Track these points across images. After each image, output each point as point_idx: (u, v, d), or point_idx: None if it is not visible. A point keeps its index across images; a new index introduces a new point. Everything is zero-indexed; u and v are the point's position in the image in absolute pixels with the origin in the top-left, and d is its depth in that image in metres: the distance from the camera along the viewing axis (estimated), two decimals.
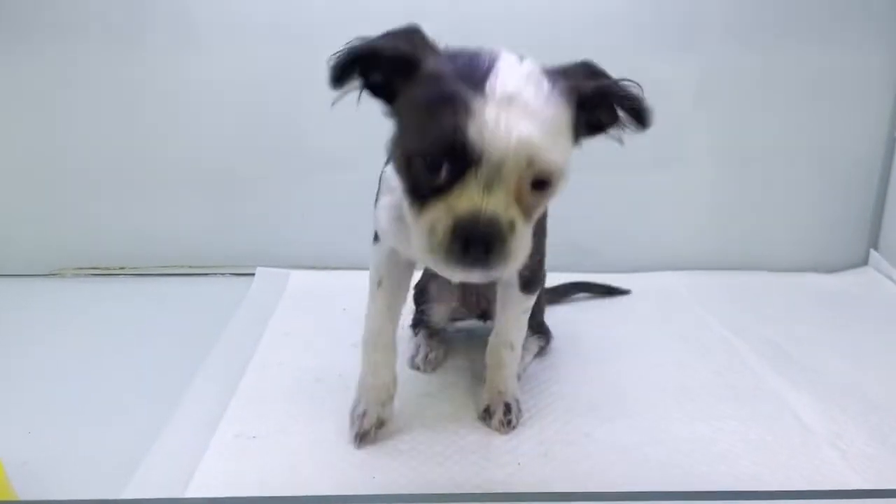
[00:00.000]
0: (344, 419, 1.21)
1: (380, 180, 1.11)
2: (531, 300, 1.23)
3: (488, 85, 0.79)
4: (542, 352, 1.50)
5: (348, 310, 1.70)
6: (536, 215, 0.89)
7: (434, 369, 1.45)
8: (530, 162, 0.80)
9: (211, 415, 1.25)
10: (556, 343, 1.53)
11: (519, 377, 1.32)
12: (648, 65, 1.85)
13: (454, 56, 0.85)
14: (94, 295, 1.86)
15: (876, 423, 1.27)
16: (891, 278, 1.96)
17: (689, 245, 2.04)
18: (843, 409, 1.32)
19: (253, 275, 1.94)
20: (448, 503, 1.05)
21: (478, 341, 1.46)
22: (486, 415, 1.26)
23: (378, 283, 1.18)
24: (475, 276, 0.86)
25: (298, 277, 1.93)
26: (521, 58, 0.85)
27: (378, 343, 1.19)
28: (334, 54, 0.87)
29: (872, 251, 2.06)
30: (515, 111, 0.78)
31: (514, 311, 1.23)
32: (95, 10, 1.79)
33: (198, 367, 1.42)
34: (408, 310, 1.37)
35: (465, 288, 1.45)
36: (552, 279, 1.82)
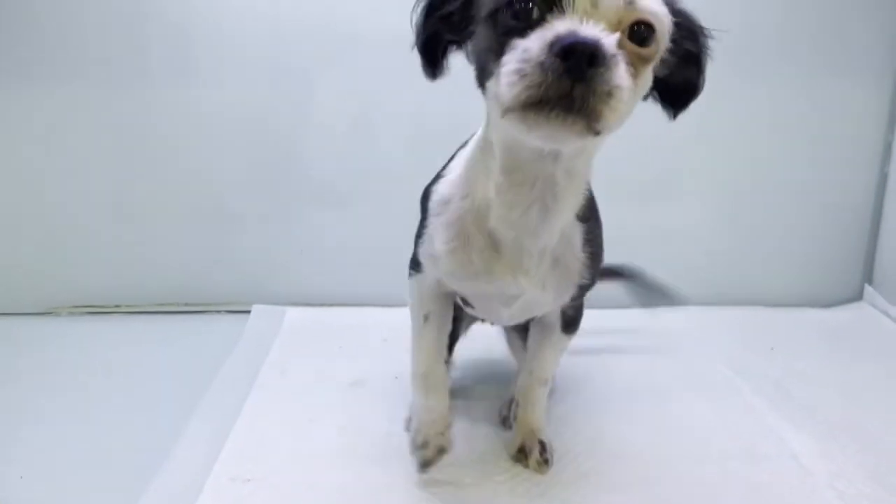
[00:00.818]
0: (339, 460, 1.21)
1: (423, 206, 1.05)
2: (569, 341, 1.20)
3: None
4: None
5: (344, 347, 1.70)
6: (639, 79, 0.79)
7: None
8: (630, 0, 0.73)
9: (206, 457, 1.24)
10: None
11: None
12: (647, 100, 1.88)
13: None
14: (89, 333, 1.85)
15: (874, 463, 1.27)
16: (886, 313, 1.96)
17: (683, 280, 2.04)
18: (842, 447, 1.31)
19: (249, 312, 1.93)
20: None
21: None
22: (520, 455, 1.22)
23: (424, 318, 1.12)
24: (566, 123, 0.71)
25: (295, 314, 1.92)
26: None
27: (429, 385, 1.14)
28: (413, 28, 0.84)
29: (867, 286, 2.07)
30: None
31: (551, 350, 1.20)
32: (90, 49, 1.81)
33: (194, 406, 1.41)
34: None
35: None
36: None
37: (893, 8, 1.89)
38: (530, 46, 0.70)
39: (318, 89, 1.86)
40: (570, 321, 1.16)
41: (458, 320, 1.37)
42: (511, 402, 1.34)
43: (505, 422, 1.35)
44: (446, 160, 1.08)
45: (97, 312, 1.97)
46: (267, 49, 1.82)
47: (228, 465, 1.22)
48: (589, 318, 1.84)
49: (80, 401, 1.48)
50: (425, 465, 1.16)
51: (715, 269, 2.06)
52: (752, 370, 1.63)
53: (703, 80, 0.89)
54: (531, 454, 1.21)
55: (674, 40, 0.83)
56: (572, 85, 0.69)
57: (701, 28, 0.87)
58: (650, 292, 1.62)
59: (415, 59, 0.90)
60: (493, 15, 0.77)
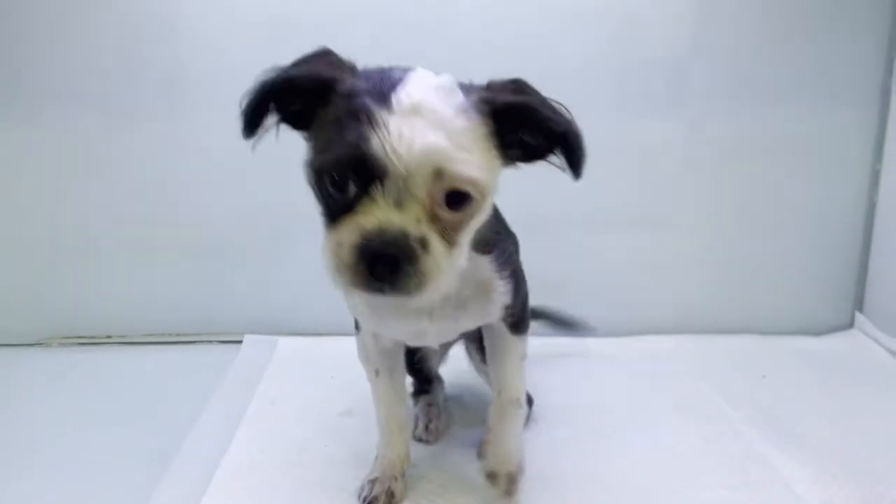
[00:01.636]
0: (329, 491, 1.20)
1: None
2: (524, 342, 1.17)
3: (394, 97, 0.77)
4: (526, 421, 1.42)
5: (336, 377, 1.69)
6: (462, 236, 0.84)
7: (437, 439, 1.41)
8: (439, 173, 0.77)
9: (196, 488, 1.23)
10: (542, 408, 1.52)
11: None
12: (636, 128, 1.91)
13: (368, 74, 0.84)
14: (80, 364, 1.84)
15: (867, 490, 1.26)
16: (877, 341, 1.96)
17: (675, 309, 2.05)
18: (833, 475, 1.30)
19: (241, 342, 1.93)
20: None
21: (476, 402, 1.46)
22: (491, 481, 1.20)
23: (376, 373, 1.18)
24: (387, 298, 0.81)
25: (286, 344, 1.92)
26: (438, 74, 0.83)
27: (391, 428, 1.21)
28: (246, 94, 0.86)
29: (858, 314, 2.08)
30: (420, 121, 0.76)
31: (510, 358, 1.16)
32: (87, 83, 1.83)
33: (185, 437, 1.40)
34: None
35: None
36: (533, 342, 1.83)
37: (880, 36, 1.92)
38: (342, 242, 0.79)
39: None
40: (515, 322, 1.14)
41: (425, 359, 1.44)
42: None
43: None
44: None
45: (88, 343, 1.97)
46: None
47: (219, 495, 1.21)
48: (578, 344, 1.87)
49: (71, 432, 1.47)
50: (370, 503, 1.18)
51: (706, 298, 2.07)
52: (743, 398, 1.62)
53: (579, 139, 0.86)
54: (499, 481, 1.18)
55: (512, 127, 0.85)
56: (380, 282, 0.78)
57: (539, 117, 0.85)
58: (560, 326, 1.77)
59: None
60: (319, 173, 0.82)
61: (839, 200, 2.04)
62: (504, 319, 1.11)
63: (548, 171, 1.94)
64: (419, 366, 1.44)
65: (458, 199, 0.80)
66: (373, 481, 1.19)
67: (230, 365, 1.78)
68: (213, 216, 1.94)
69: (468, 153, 0.79)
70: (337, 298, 2.00)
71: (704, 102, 1.94)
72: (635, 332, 2.01)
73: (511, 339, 1.15)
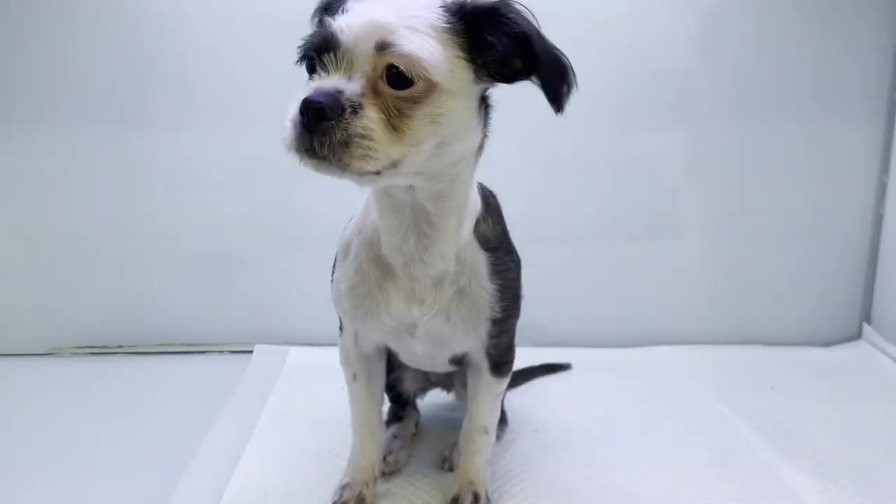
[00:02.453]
0: None
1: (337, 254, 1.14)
2: (503, 384, 1.19)
3: None
4: (497, 440, 1.37)
5: (346, 387, 1.69)
6: (411, 127, 0.84)
7: (394, 471, 1.34)
8: (381, 46, 0.81)
9: (209, 497, 1.24)
10: (549, 421, 1.53)
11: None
12: (640, 140, 1.92)
13: None
14: (92, 374, 1.86)
15: (874, 502, 1.26)
16: (885, 352, 1.96)
17: (682, 319, 2.06)
18: (841, 487, 1.31)
19: (252, 352, 1.94)
20: None
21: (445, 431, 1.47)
22: (454, 503, 1.19)
23: (353, 377, 1.21)
24: (322, 167, 0.83)
25: (297, 354, 1.93)
26: None
27: (364, 432, 1.23)
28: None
29: (865, 325, 2.08)
30: (380, 5, 0.84)
31: (485, 396, 1.18)
32: (94, 95, 1.86)
33: (196, 447, 1.41)
34: None
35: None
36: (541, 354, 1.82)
37: (885, 50, 1.94)
38: (292, 106, 0.83)
39: None
40: (497, 364, 1.15)
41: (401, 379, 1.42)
42: (454, 446, 1.35)
43: (444, 462, 1.36)
44: None
45: (100, 353, 1.98)
46: (268, 94, 1.85)
47: None
48: (583, 355, 1.88)
49: (83, 441, 1.48)
50: None
51: (713, 309, 2.08)
52: (750, 409, 1.63)
53: (546, 53, 0.87)
54: None
55: (488, 39, 0.86)
56: (310, 138, 0.81)
57: (505, 20, 0.86)
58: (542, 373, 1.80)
59: None
60: (301, 60, 0.90)
61: (846, 212, 2.05)
62: (487, 351, 1.13)
63: (551, 179, 1.95)
64: (394, 384, 1.39)
65: (401, 79, 0.83)
66: (344, 486, 1.21)
67: (241, 375, 1.79)
68: (224, 227, 1.96)
69: (419, 37, 0.82)
70: None
71: (710, 115, 1.95)
72: (642, 343, 2.02)
73: (489, 380, 1.17)
